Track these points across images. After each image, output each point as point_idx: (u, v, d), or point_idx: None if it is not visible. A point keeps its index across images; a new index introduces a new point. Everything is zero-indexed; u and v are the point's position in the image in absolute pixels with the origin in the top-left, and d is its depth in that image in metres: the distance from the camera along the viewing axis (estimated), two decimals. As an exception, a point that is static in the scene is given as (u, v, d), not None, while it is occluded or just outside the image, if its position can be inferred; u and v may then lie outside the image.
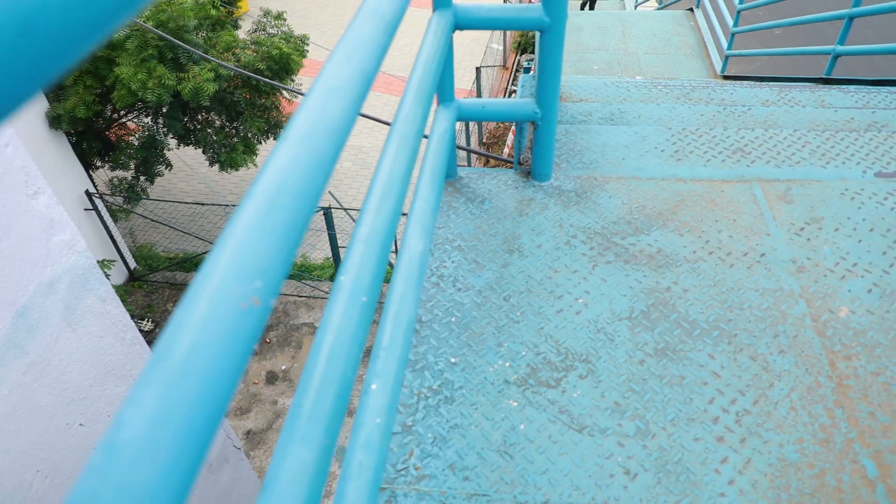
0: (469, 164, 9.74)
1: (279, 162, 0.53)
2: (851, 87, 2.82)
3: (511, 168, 1.77)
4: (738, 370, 1.26)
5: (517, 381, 1.25)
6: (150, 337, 6.89)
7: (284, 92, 7.82)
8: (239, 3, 9.13)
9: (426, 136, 1.41)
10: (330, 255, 7.21)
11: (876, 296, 1.41)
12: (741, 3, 5.85)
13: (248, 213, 0.49)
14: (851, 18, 3.94)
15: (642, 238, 1.54)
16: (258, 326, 0.45)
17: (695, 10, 7.55)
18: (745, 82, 3.84)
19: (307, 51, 8.48)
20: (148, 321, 7.00)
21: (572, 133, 1.89)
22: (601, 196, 1.66)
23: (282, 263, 0.49)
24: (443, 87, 1.53)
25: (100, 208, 6.74)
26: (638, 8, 10.30)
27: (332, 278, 7.56)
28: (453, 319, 1.37)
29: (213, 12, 6.38)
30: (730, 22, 6.08)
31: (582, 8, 10.80)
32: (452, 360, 1.30)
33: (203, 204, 6.79)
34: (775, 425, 1.18)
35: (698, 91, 2.45)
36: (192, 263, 7.76)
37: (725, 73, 6.13)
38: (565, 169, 1.76)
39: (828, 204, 1.65)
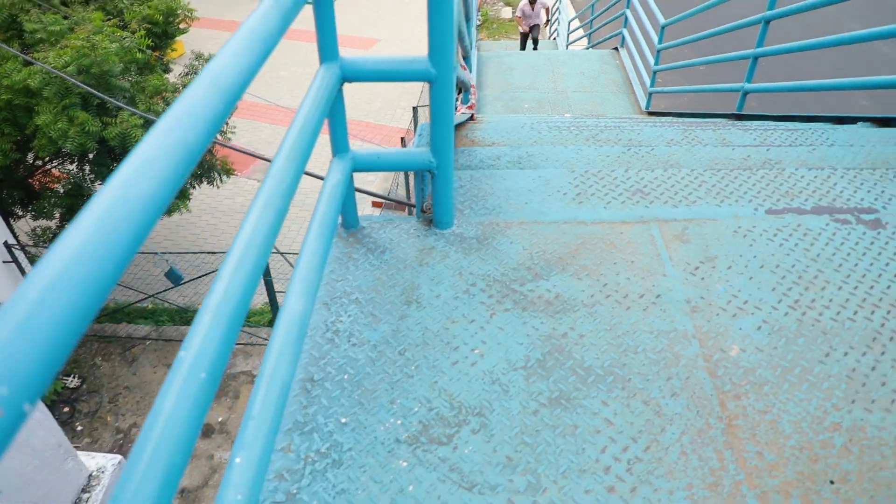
0: (407, 198, 9.73)
1: (59, 251, 0.49)
2: (753, 124, 2.95)
3: (415, 215, 1.76)
4: (630, 416, 1.26)
5: (408, 439, 1.21)
6: (76, 394, 6.54)
7: (217, 135, 7.71)
8: (174, 47, 9.02)
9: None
10: (268, 300, 7.05)
11: (765, 332, 1.44)
12: (660, 43, 6.12)
13: (8, 308, 0.45)
14: (756, 58, 4.16)
15: (541, 284, 1.54)
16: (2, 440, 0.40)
17: (620, 49, 7.86)
18: (658, 120, 3.98)
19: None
20: (74, 377, 6.65)
21: (477, 178, 1.90)
22: (503, 242, 1.66)
23: (45, 364, 0.45)
24: (336, 138, 1.52)
25: (20, 260, 6.43)
26: (568, 48, 10.68)
27: (270, 324, 7.38)
28: (346, 377, 1.33)
29: (140, 56, 6.27)
30: (651, 61, 6.34)
31: (522, 48, 11.07)
32: (343, 419, 1.25)
33: (132, 252, 6.54)
34: (666, 472, 1.17)
35: (607, 132, 2.52)
36: (123, 314, 7.46)
37: (650, 110, 6.36)
38: (468, 215, 1.75)
39: (721, 242, 1.69)
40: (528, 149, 2.20)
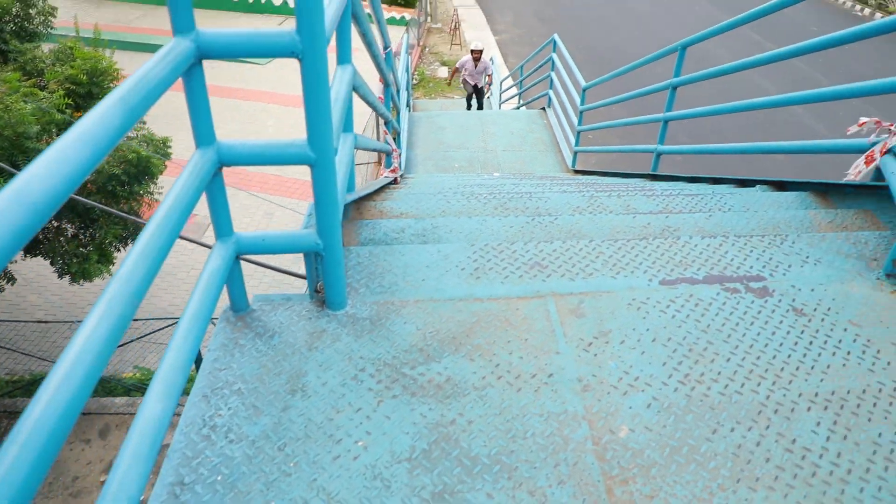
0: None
1: None
2: (658, 189, 3.06)
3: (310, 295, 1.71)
4: (515, 509, 1.22)
5: (279, 549, 1.13)
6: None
7: (145, 196, 7.52)
8: (99, 106, 8.81)
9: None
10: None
11: (654, 410, 1.44)
12: (583, 104, 6.37)
13: None
14: (667, 122, 4.36)
15: (433, 366, 1.50)
16: None
17: (547, 109, 8.14)
18: (576, 181, 4.09)
19: (170, 153, 8.29)
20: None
21: (376, 255, 1.87)
22: (396, 322, 1.63)
23: None
24: (218, 222, 1.47)
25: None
26: (501, 107, 11.00)
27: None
28: (219, 478, 1.25)
29: (59, 116, 6.09)
30: (575, 120, 6.58)
31: (468, 108, 10.89)
32: (210, 530, 1.16)
33: (45, 322, 6.21)
34: (549, 570, 1.13)
35: (516, 200, 2.55)
36: (39, 386, 7.00)
37: (576, 168, 6.56)
38: (363, 294, 1.72)
39: (616, 315, 1.70)
40: (433, 220, 2.20)
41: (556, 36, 7.49)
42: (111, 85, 7.56)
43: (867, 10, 24.34)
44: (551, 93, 7.80)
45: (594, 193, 2.74)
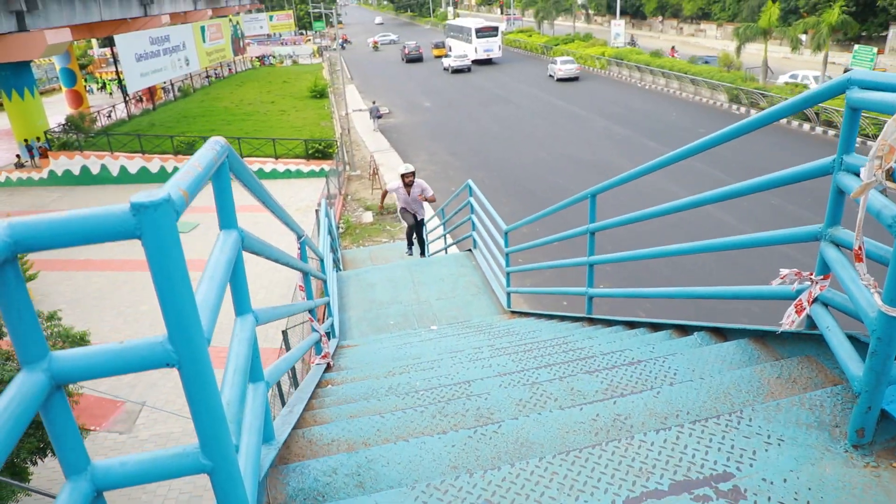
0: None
1: None
2: (598, 352, 2.95)
3: None
4: None
5: None
6: None
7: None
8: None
9: None
10: None
11: None
12: (507, 246, 6.44)
13: None
14: (591, 265, 4.39)
15: None
16: None
17: (473, 250, 8.23)
18: (518, 331, 3.97)
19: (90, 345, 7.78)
20: None
21: (303, 524, 1.61)
22: None
23: None
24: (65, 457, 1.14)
25: None
26: (428, 247, 11.08)
27: None
28: None
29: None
30: (503, 261, 6.62)
31: (409, 246, 9.48)
32: None
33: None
34: None
35: (454, 402, 2.36)
36: None
37: (512, 309, 6.51)
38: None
39: (586, 561, 1.48)
40: (367, 452, 1.97)
41: (470, 182, 7.73)
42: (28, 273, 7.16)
43: (742, 109, 26.99)
44: (475, 234, 7.91)
45: (536, 375, 2.60)
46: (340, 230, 17.06)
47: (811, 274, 2.30)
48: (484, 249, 7.55)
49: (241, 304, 1.69)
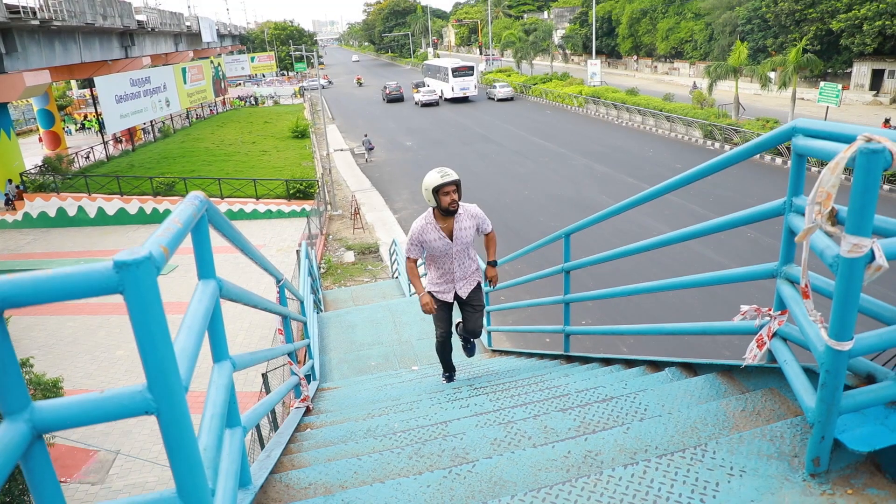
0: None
1: None
2: (573, 390, 3.02)
3: None
4: None
5: None
6: None
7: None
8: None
9: None
10: None
11: None
12: (487, 286, 6.52)
13: None
14: (567, 304, 4.48)
15: None
16: None
17: (454, 289, 8.30)
18: (495, 374, 4.02)
19: (62, 392, 7.71)
20: None
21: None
22: None
23: None
24: None
25: None
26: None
27: None
28: None
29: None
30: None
31: (445, 365, 7.28)
32: None
33: None
34: None
35: (430, 444, 2.40)
36: None
37: (493, 348, 6.56)
38: None
39: None
40: (344, 494, 2.00)
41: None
42: None
43: (717, 144, 27.69)
44: (455, 274, 7.99)
45: (511, 414, 2.65)
46: (322, 270, 17.06)
47: (770, 310, 2.41)
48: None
49: (219, 351, 1.74)
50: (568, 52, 64.25)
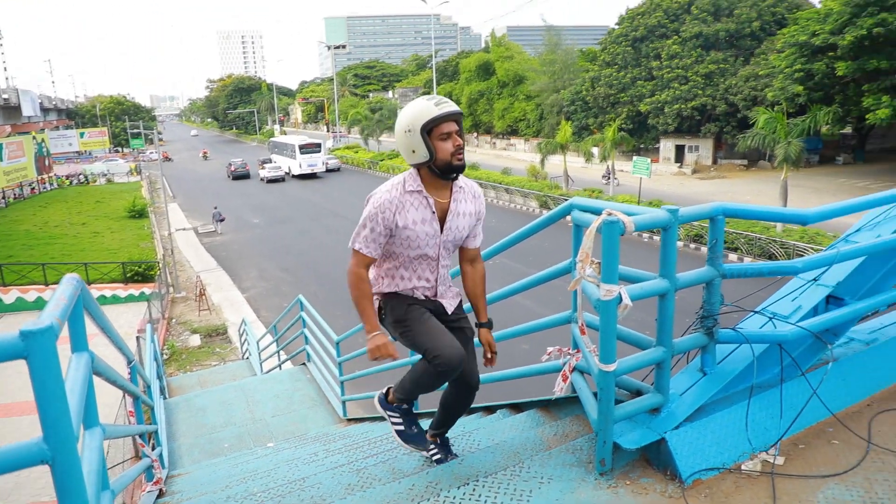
0: None
1: None
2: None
3: None
4: None
5: None
6: None
7: None
8: None
9: None
10: None
11: None
12: (339, 356, 6.75)
13: None
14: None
15: None
16: None
17: (308, 363, 8.39)
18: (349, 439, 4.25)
19: None
20: None
21: None
22: None
23: None
24: None
25: None
26: (262, 365, 10.95)
27: None
28: None
29: None
30: (336, 372, 6.89)
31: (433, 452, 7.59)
32: None
33: None
34: None
35: (288, 497, 2.62)
36: None
37: (349, 417, 6.73)
38: None
39: None
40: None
41: (301, 297, 8.02)
42: None
43: (537, 210, 30.28)
44: (308, 348, 8.11)
45: (363, 464, 2.93)
46: (165, 356, 16.09)
47: (569, 349, 2.96)
48: (318, 362, 7.76)
49: (91, 418, 1.90)
50: (412, 130, 67.36)
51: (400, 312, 2.55)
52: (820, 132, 30.42)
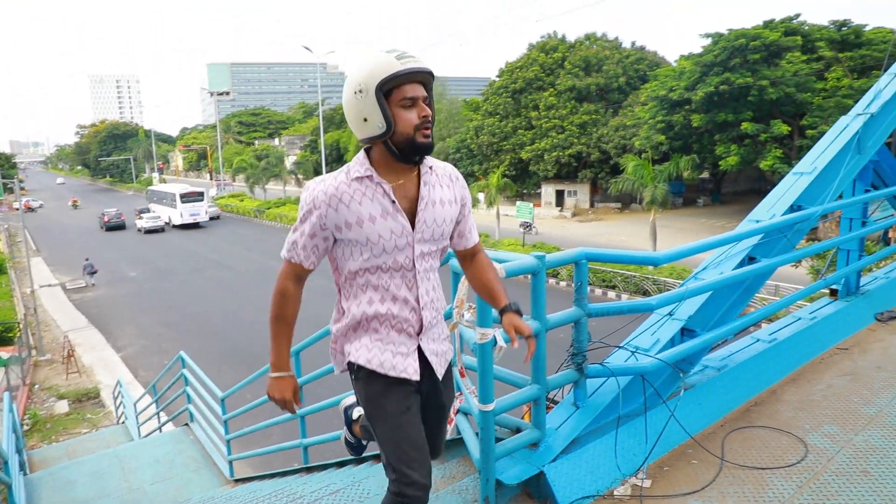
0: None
1: None
2: (308, 493, 3.31)
3: None
4: None
5: None
6: None
7: None
8: None
9: None
10: None
11: None
12: (224, 413, 6.47)
13: None
14: (303, 417, 4.78)
15: None
16: None
17: (191, 423, 7.93)
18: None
19: None
20: None
21: None
22: None
23: None
24: None
25: None
26: (140, 429, 10.19)
27: None
28: None
29: None
30: (222, 431, 6.58)
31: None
32: None
33: None
34: None
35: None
36: None
37: (236, 477, 6.41)
38: None
39: None
40: None
41: (182, 353, 7.63)
42: None
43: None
44: (191, 407, 7.69)
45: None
46: (26, 427, 14.56)
47: (460, 394, 3.05)
48: (202, 421, 7.37)
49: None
50: (301, 177, 66.69)
51: (376, 390, 1.93)
52: (682, 177, 33.33)
